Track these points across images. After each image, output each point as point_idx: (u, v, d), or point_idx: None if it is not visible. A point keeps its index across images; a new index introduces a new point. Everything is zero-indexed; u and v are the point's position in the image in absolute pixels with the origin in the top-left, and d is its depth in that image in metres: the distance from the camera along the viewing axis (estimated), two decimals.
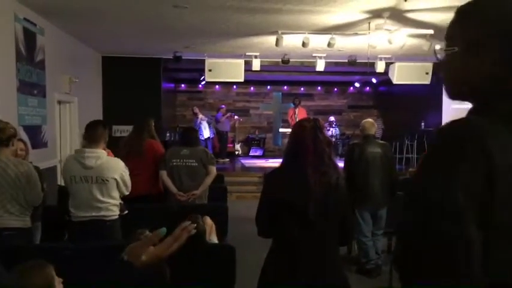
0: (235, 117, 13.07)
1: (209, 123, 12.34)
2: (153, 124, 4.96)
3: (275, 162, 10.94)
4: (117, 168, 3.51)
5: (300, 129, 2.32)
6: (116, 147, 4.68)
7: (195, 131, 4.89)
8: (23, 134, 5.06)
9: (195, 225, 1.07)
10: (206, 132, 12.05)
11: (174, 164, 4.46)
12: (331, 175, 2.22)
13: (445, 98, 0.89)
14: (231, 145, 13.49)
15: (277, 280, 2.19)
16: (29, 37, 5.54)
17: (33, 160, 4.06)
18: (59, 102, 6.83)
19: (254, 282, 2.31)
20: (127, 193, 3.63)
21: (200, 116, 12.20)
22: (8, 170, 3.12)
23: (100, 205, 3.44)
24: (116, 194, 3.53)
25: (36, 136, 5.65)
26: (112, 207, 3.51)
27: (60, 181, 6.41)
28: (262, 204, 2.32)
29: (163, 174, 4.49)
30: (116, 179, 3.47)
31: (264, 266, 2.32)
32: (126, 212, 3.76)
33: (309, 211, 2.15)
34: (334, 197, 2.21)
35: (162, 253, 0.99)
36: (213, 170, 4.57)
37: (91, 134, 3.48)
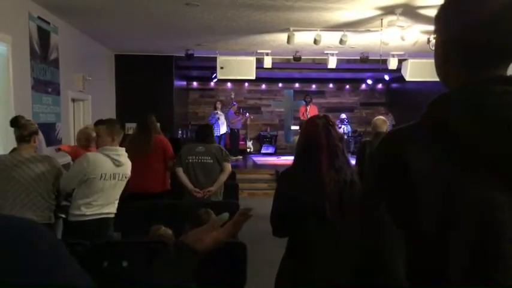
0: (246, 114, 13.05)
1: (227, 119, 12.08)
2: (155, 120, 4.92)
3: (287, 160, 10.94)
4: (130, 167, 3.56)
5: (313, 126, 2.27)
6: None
7: (210, 128, 4.89)
8: None
9: (251, 209, 1.13)
10: (223, 128, 11.80)
11: (190, 161, 4.47)
12: (345, 171, 2.18)
13: None
14: (242, 142, 13.48)
15: (295, 282, 2.15)
16: (43, 35, 5.61)
17: None
18: (73, 100, 6.90)
19: (265, 280, 2.31)
20: None
21: (219, 111, 11.89)
22: (32, 166, 3.16)
23: (115, 202, 3.48)
24: None
25: (50, 133, 5.71)
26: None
27: None
28: (277, 203, 2.25)
29: (180, 171, 4.49)
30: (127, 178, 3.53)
31: (281, 267, 2.26)
32: None
33: (326, 209, 2.09)
34: (350, 194, 2.14)
35: (224, 238, 1.05)
36: (228, 166, 4.57)
37: (113, 131, 3.43)
